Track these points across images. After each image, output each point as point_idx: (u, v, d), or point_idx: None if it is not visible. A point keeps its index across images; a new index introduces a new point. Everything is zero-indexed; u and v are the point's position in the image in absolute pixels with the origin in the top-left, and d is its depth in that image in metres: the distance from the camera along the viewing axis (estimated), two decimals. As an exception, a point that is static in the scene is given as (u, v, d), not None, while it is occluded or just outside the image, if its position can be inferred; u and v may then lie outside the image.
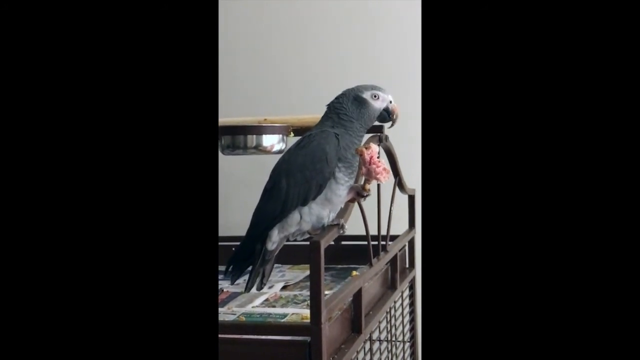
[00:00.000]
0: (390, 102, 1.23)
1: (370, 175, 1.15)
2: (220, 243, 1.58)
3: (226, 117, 1.55)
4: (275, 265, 1.73)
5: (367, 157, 1.13)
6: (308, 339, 1.03)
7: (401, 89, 1.36)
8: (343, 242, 1.72)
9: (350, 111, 1.20)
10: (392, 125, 1.26)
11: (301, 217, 1.19)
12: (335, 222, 1.16)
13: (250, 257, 1.24)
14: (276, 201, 1.18)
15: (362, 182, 1.19)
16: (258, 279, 1.24)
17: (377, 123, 1.27)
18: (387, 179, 1.16)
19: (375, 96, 1.21)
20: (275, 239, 1.21)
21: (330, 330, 1.07)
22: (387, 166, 1.21)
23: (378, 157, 1.16)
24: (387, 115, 1.23)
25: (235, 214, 1.57)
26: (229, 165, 1.84)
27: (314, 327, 1.01)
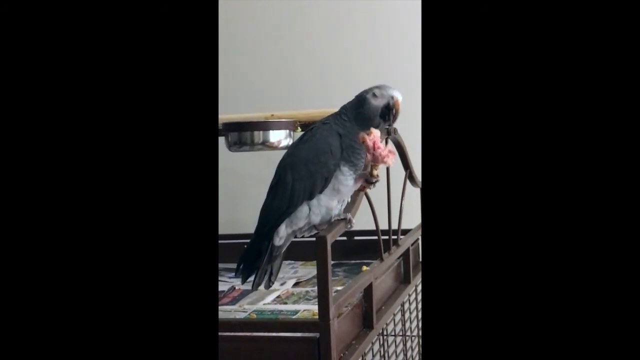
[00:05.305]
0: (392, 97, 1.17)
1: (376, 160, 1.13)
2: (230, 241, 1.61)
3: (233, 113, 1.55)
4: (288, 261, 1.74)
5: (370, 143, 1.11)
6: (317, 335, 1.02)
7: (412, 81, 1.34)
8: (356, 237, 1.71)
9: (349, 112, 1.18)
10: (391, 122, 1.19)
11: (310, 210, 1.18)
12: (342, 217, 1.15)
13: (260, 255, 1.23)
14: (282, 197, 1.18)
15: (368, 169, 1.17)
16: (266, 277, 1.23)
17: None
18: (393, 162, 1.15)
19: (374, 94, 1.17)
20: (282, 234, 1.20)
21: (340, 326, 1.06)
22: (393, 148, 1.20)
23: (382, 141, 1.14)
24: (387, 112, 1.17)
25: (245, 211, 1.57)
26: (237, 162, 1.83)
27: (322, 323, 1.00)
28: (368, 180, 1.17)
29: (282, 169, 1.19)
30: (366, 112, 1.17)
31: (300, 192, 1.16)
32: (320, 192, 1.16)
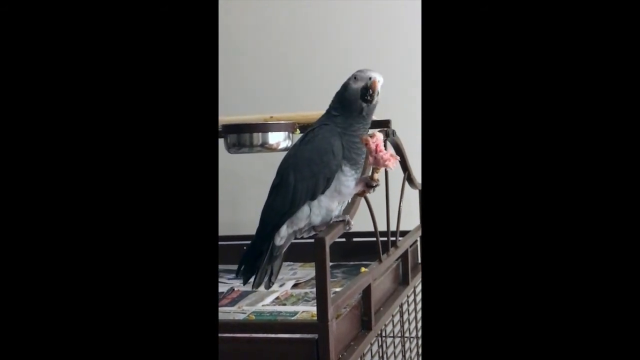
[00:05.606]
0: (370, 78, 1.15)
1: (378, 164, 1.13)
2: (230, 242, 1.61)
3: (232, 115, 1.55)
4: (287, 263, 1.74)
5: (372, 146, 1.12)
6: (316, 336, 1.02)
7: (412, 83, 1.35)
8: (354, 239, 1.71)
9: (336, 103, 1.19)
10: (369, 101, 1.16)
11: (311, 210, 1.19)
12: (341, 218, 1.15)
13: (260, 255, 1.23)
14: (284, 197, 1.18)
15: (370, 173, 1.18)
16: (266, 277, 1.23)
17: (375, 118, 1.24)
18: (395, 166, 1.15)
19: (355, 78, 1.18)
20: (283, 234, 1.20)
21: (338, 327, 1.06)
22: (394, 152, 1.20)
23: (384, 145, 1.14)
24: (365, 92, 1.15)
25: (244, 213, 1.57)
26: (236, 164, 1.83)
27: (320, 324, 1.01)
28: (368, 184, 1.17)
29: (285, 169, 1.19)
30: (347, 97, 1.17)
31: (302, 192, 1.16)
32: (322, 192, 1.17)
